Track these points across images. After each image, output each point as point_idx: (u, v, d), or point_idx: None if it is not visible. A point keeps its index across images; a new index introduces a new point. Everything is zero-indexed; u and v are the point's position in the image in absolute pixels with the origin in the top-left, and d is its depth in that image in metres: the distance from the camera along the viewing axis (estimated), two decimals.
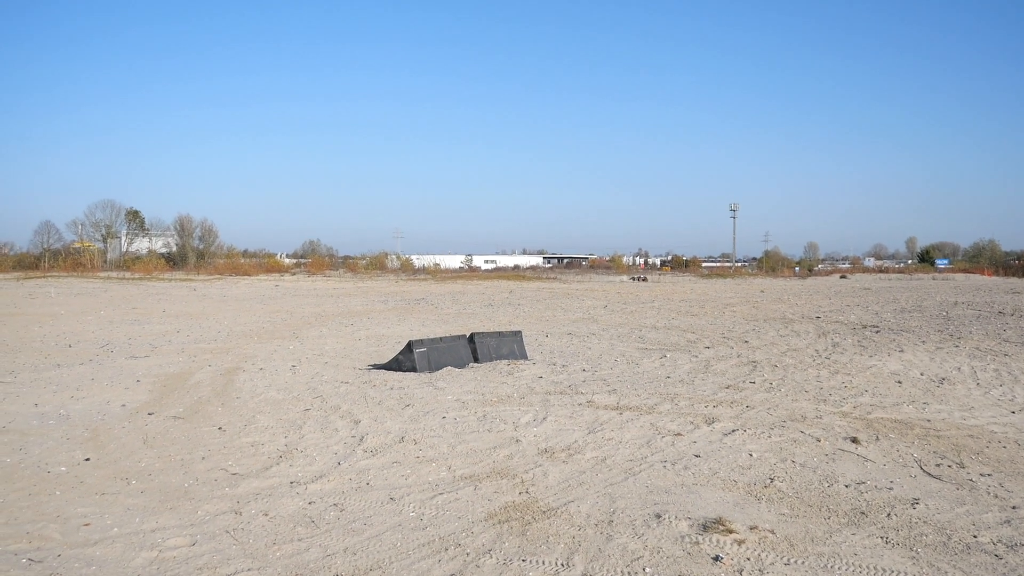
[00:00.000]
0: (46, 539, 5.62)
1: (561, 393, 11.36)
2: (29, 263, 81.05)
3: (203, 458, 7.93)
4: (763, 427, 9.06)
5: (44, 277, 62.62)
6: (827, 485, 6.83)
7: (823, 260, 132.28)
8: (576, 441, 8.44)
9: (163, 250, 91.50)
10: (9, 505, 6.40)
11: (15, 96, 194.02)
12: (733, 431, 8.84)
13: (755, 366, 14.19)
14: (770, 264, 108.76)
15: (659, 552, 5.25)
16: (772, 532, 5.61)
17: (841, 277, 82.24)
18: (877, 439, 8.49)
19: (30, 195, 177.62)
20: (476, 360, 14.71)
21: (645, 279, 67.58)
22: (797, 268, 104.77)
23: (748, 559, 5.11)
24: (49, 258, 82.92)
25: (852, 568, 4.97)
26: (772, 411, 10.03)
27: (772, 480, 6.97)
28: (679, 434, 8.72)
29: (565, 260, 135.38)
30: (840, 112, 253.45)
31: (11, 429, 9.28)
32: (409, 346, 13.85)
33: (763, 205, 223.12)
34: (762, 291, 49.33)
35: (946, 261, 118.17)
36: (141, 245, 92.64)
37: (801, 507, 6.24)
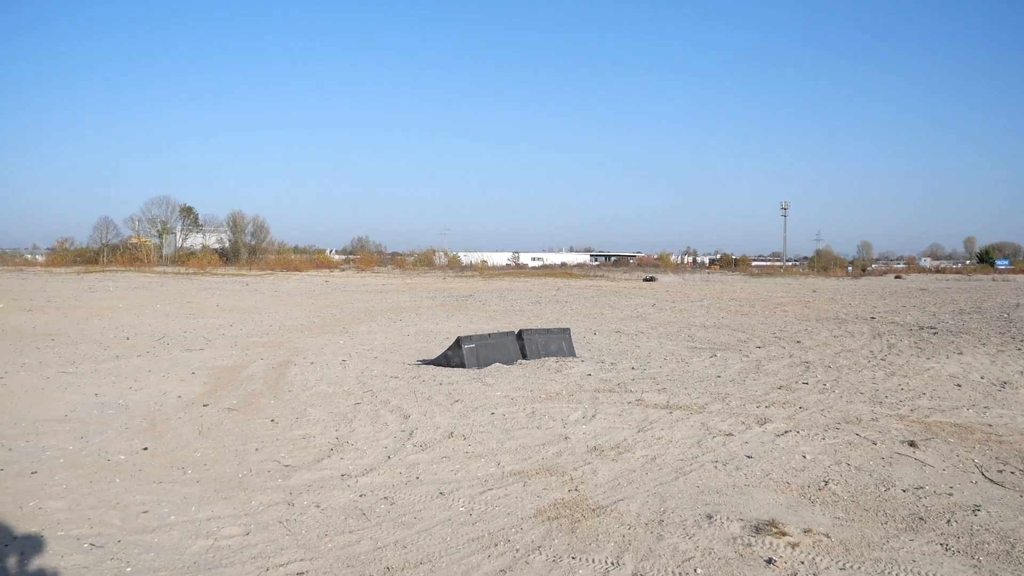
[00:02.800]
0: (107, 525, 5.75)
1: (610, 391, 11.30)
2: (89, 257, 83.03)
3: (256, 449, 8.06)
4: (817, 429, 8.91)
5: (103, 271, 64.17)
6: (884, 489, 6.69)
7: (877, 260, 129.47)
8: (626, 439, 8.39)
9: (216, 246, 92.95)
10: (72, 491, 6.56)
11: (78, 96, 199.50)
12: (786, 432, 8.71)
13: (808, 366, 13.97)
14: (822, 263, 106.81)
15: (711, 553, 5.19)
16: (827, 536, 5.51)
17: (896, 277, 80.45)
18: (935, 443, 8.29)
19: (90, 192, 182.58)
20: (524, 357, 14.70)
21: (654, 279, 64.15)
22: (850, 268, 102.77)
23: (802, 563, 5.03)
24: (108, 253, 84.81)
25: (910, 575, 4.86)
26: (826, 412, 9.86)
27: (827, 483, 6.85)
28: (730, 434, 8.62)
29: (612, 258, 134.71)
30: (896, 107, 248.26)
31: (73, 418, 9.53)
32: (458, 342, 13.90)
33: (815, 203, 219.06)
34: (814, 291, 48.54)
35: (1007, 262, 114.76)
36: (195, 241, 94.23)
37: (857, 511, 6.11)
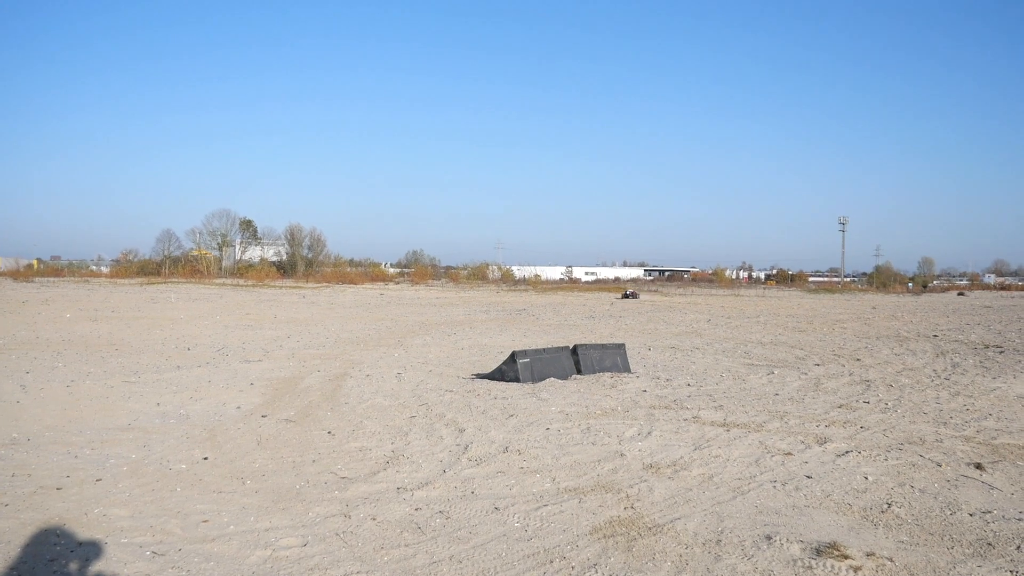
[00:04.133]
0: (168, 533, 5.87)
1: (666, 408, 11.20)
2: (151, 269, 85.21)
3: (313, 461, 8.15)
4: (879, 449, 8.70)
5: (165, 283, 65.75)
6: (949, 513, 6.50)
7: (939, 276, 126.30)
8: (682, 457, 8.30)
9: (274, 258, 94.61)
10: (135, 499, 6.72)
11: (142, 113, 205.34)
12: (847, 452, 8.53)
13: (869, 385, 13.67)
14: (881, 279, 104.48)
15: (770, 575, 5.10)
16: (891, 560, 5.37)
17: (959, 294, 78.40)
18: (1003, 466, 8.04)
19: (153, 205, 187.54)
20: (579, 372, 14.65)
21: (636, 295, 58.08)
22: (910, 284, 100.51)
23: None
24: (169, 265, 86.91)
25: None
26: (888, 433, 9.63)
27: (890, 505, 6.69)
28: (789, 453, 8.47)
29: (666, 273, 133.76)
30: (959, 120, 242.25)
31: (136, 427, 9.76)
32: (512, 356, 13.92)
33: (874, 218, 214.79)
34: (874, 307, 47.54)
35: None
36: (254, 253, 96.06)
37: (921, 535, 5.96)
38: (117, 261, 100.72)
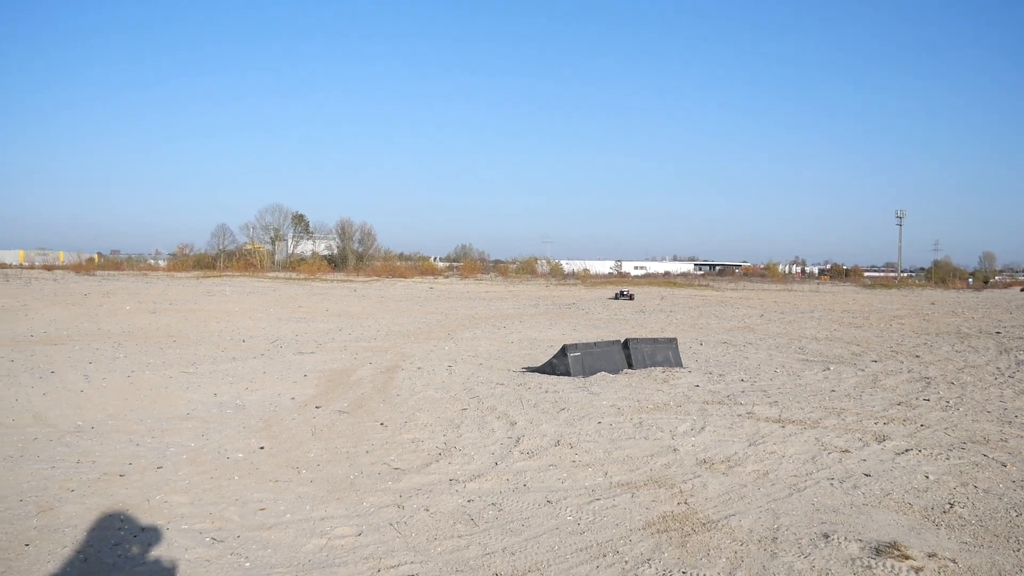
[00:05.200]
0: (226, 520, 5.98)
1: (719, 403, 11.07)
2: (207, 263, 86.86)
3: (367, 452, 8.24)
4: (940, 448, 8.49)
5: (220, 276, 66.87)
6: (1015, 515, 6.32)
7: (1001, 271, 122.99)
8: (736, 453, 8.20)
9: (325, 252, 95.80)
10: (194, 487, 6.85)
11: (197, 109, 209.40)
12: (907, 450, 8.34)
13: (929, 382, 13.35)
14: (940, 275, 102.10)
15: (827, 574, 5.01)
16: (953, 561, 5.24)
17: (1022, 290, 76.25)
18: None
19: (209, 200, 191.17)
20: (630, 366, 14.57)
21: (631, 296, 46.13)
22: (971, 279, 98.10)
23: None
24: (224, 258, 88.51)
25: None
26: (950, 431, 9.39)
27: (952, 505, 6.52)
28: (847, 451, 8.31)
29: (717, 267, 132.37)
30: (1018, 111, 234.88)
31: (194, 416, 9.96)
32: (563, 350, 13.89)
33: (932, 211, 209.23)
34: (932, 303, 46.46)
35: None
36: (305, 247, 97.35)
37: (986, 536, 5.79)
38: (174, 255, 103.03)
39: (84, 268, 71.94)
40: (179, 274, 68.81)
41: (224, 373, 13.44)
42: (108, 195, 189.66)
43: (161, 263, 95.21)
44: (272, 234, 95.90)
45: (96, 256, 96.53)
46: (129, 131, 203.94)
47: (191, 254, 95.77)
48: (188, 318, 25.49)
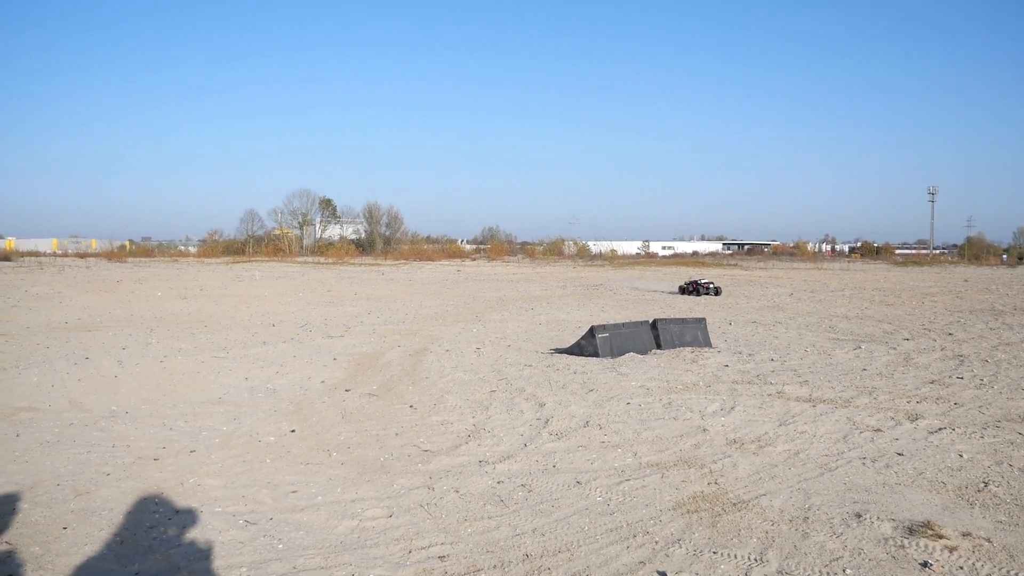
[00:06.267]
0: (259, 503, 6.06)
1: (749, 383, 11.00)
2: (236, 248, 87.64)
3: (396, 434, 8.29)
4: (974, 426, 8.39)
5: (249, 261, 67.54)
6: None
7: None
8: (766, 433, 8.15)
9: (353, 236, 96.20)
10: (227, 470, 6.94)
11: (225, 96, 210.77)
12: (940, 429, 8.25)
13: (962, 360, 13.18)
14: (973, 251, 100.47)
15: (860, 554, 4.98)
16: (988, 540, 5.18)
17: None
18: None
19: (237, 186, 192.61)
20: (658, 347, 14.52)
21: (717, 290, 30.96)
22: (1005, 256, 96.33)
23: (961, 567, 4.75)
24: (253, 244, 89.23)
25: None
26: (984, 410, 9.27)
27: (986, 484, 6.44)
28: (879, 430, 8.24)
29: (746, 246, 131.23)
30: None
31: (226, 400, 10.08)
32: (591, 331, 13.87)
33: (965, 188, 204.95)
34: (966, 280, 45.81)
35: None
36: (333, 232, 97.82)
37: (1021, 515, 5.71)
38: (204, 241, 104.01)
39: (116, 255, 72.89)
40: (209, 260, 69.54)
41: (255, 357, 13.56)
42: (139, 183, 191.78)
43: (191, 249, 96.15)
44: (300, 219, 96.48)
45: (128, 243, 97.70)
46: (157, 118, 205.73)
47: (220, 240, 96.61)
48: (218, 303, 25.75)
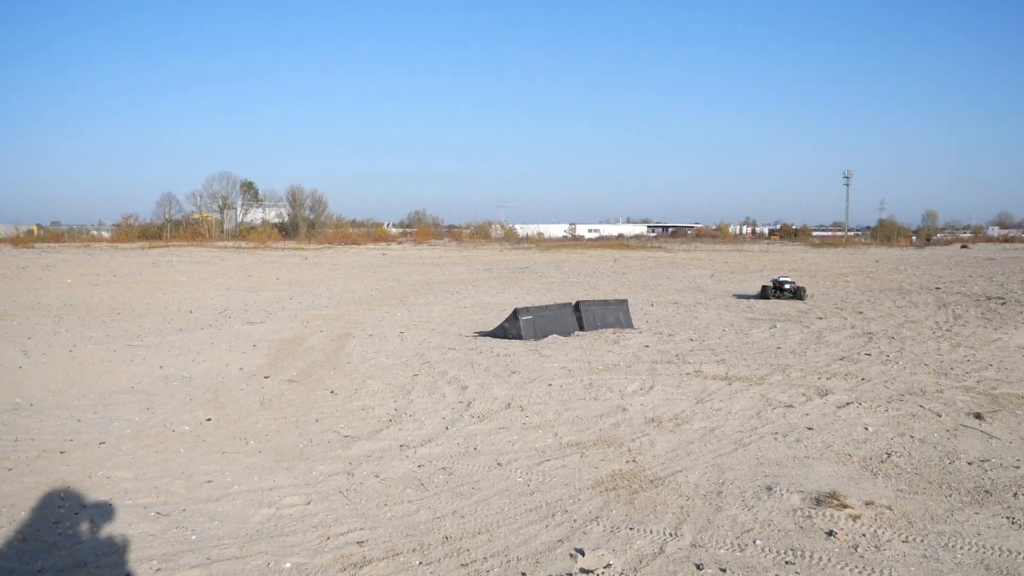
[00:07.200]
0: (172, 494, 5.92)
1: (668, 362, 11.22)
2: (152, 233, 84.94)
3: (316, 420, 8.20)
4: (879, 400, 8.73)
5: (166, 246, 65.64)
6: (948, 462, 6.54)
7: (942, 229, 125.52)
8: (684, 411, 8.34)
9: (276, 220, 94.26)
10: (138, 461, 6.77)
11: (138, 73, 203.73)
12: (847, 404, 8.56)
13: (871, 338, 13.68)
14: (885, 233, 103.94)
15: (770, 525, 5.15)
16: (889, 508, 5.41)
17: (962, 247, 78.10)
18: (1003, 416, 8.07)
19: (153, 169, 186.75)
20: (581, 328, 14.68)
21: (798, 292, 21.92)
22: (914, 237, 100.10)
23: (864, 535, 4.95)
24: (171, 228, 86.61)
25: (975, 548, 4.75)
26: (889, 384, 9.66)
27: (889, 455, 6.72)
28: (790, 406, 8.51)
29: (670, 229, 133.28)
30: (959, 74, 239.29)
31: (139, 389, 9.81)
32: (515, 314, 13.93)
33: (878, 172, 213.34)
34: (877, 261, 47.44)
35: None
36: (255, 215, 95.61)
37: (920, 484, 5.99)
38: (118, 226, 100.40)
39: (22, 241, 69.90)
40: (123, 245, 67.34)
41: (170, 345, 13.24)
42: (47, 165, 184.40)
43: (105, 234, 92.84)
44: (220, 202, 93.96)
45: (35, 228, 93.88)
46: (68, 98, 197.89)
47: (136, 225, 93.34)
48: (133, 290, 25.00)
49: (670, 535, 4.99)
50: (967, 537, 4.92)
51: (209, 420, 8.24)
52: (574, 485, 6.03)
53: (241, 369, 11.17)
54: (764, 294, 22.26)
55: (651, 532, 5.05)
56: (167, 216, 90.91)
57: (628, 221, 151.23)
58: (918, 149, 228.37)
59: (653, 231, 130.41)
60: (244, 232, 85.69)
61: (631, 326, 15.37)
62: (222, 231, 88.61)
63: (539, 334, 13.76)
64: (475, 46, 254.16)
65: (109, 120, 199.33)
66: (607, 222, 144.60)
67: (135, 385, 10.08)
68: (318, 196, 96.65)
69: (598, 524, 5.21)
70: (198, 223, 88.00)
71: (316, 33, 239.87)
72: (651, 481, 6.08)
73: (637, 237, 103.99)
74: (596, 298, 19.12)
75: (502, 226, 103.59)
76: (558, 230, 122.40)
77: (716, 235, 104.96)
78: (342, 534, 5.13)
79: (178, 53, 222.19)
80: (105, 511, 5.51)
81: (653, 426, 7.74)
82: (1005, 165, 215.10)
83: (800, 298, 21.52)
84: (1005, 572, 4.45)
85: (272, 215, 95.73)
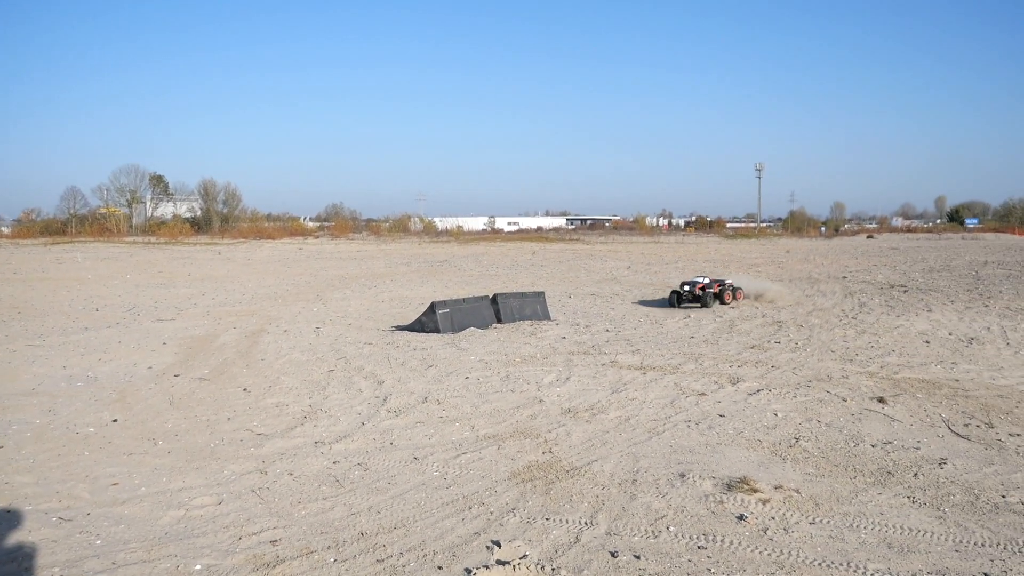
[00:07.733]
0: (76, 498, 5.69)
1: (584, 353, 11.32)
2: (56, 229, 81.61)
3: (228, 419, 8.00)
4: (788, 387, 8.99)
5: (71, 242, 63.17)
6: (853, 445, 6.77)
7: (850, 220, 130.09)
8: (599, 401, 8.42)
9: (187, 214, 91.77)
10: (40, 465, 6.48)
11: (41, 63, 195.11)
12: (758, 391, 8.78)
13: (780, 326, 14.07)
14: (796, 224, 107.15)
15: (683, 511, 5.23)
16: (797, 491, 5.57)
17: (868, 237, 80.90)
18: (904, 399, 8.39)
19: (56, 161, 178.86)
20: (499, 321, 14.70)
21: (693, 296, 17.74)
22: (823, 228, 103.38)
23: (773, 518, 5.08)
24: (76, 224, 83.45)
25: (878, 527, 4.93)
26: (798, 371, 9.95)
27: (797, 440, 6.92)
28: (703, 394, 8.68)
29: (588, 221, 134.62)
30: (866, 71, 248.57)
31: (41, 391, 9.40)
32: (432, 307, 13.86)
33: (789, 165, 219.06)
34: (788, 251, 48.83)
35: (976, 220, 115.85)
36: (166, 210, 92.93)
37: (827, 467, 6.18)
38: (19, 221, 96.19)
39: None
40: (25, 241, 64.57)
41: (75, 344, 12.74)
42: None
43: (4, 230, 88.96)
44: (128, 197, 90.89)
45: None
46: None
47: (38, 220, 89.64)
48: (35, 288, 24.00)
49: (586, 524, 5.03)
50: (871, 517, 5.09)
51: (115, 421, 7.95)
52: (491, 477, 6.02)
53: (150, 368, 10.82)
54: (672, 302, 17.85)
55: (567, 522, 5.07)
56: (72, 211, 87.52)
57: (547, 214, 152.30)
58: (826, 142, 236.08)
59: (572, 224, 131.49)
60: (154, 227, 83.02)
61: (548, 318, 15.46)
62: (131, 226, 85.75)
63: (457, 327, 13.72)
64: (390, 38, 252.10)
65: (7, 108, 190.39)
66: (526, 215, 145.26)
67: (36, 386, 9.66)
68: (232, 189, 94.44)
69: (514, 515, 5.21)
70: (105, 218, 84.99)
71: (228, 24, 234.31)
72: (567, 471, 6.11)
73: (556, 230, 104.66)
74: (514, 291, 19.18)
75: (421, 219, 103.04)
76: (477, 223, 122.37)
77: (633, 227, 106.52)
78: (255, 533, 5.02)
79: (82, 39, 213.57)
80: (3, 518, 5.25)
81: (569, 417, 7.80)
82: (909, 158, 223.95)
83: (706, 305, 17.33)
84: (907, 550, 4.62)
85: (183, 209, 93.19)
